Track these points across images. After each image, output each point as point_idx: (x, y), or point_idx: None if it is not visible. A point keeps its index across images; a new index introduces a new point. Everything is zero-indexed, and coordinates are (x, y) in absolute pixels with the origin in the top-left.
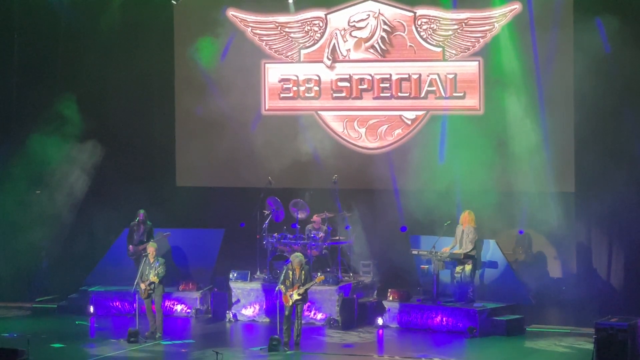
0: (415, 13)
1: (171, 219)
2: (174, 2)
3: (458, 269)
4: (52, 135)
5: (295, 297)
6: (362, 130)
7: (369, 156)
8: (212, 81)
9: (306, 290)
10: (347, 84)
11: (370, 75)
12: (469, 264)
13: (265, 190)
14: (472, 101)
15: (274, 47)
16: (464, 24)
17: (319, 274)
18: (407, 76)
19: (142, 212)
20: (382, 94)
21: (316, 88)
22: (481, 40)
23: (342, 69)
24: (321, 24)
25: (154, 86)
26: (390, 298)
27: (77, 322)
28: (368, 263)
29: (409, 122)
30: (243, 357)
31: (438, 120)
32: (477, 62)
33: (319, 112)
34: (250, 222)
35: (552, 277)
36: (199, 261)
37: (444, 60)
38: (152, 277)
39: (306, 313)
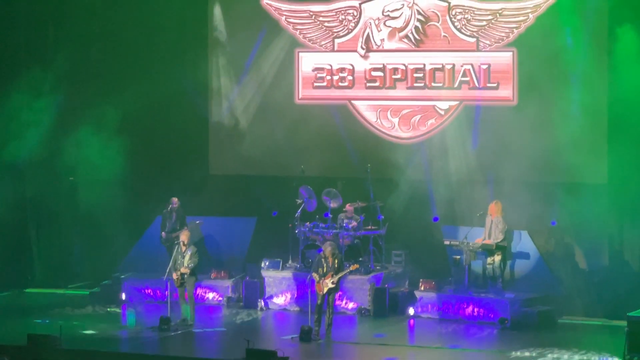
0: (449, 3)
1: (204, 207)
2: None
3: (489, 260)
4: (87, 124)
5: (329, 285)
6: (395, 120)
7: (402, 146)
8: (245, 70)
9: (339, 278)
10: (381, 74)
11: (404, 65)
12: (498, 255)
13: (297, 179)
14: (506, 92)
15: (308, 36)
16: (498, 15)
17: (351, 262)
18: (440, 66)
19: (174, 199)
20: (415, 84)
21: (350, 77)
22: (515, 31)
23: (376, 59)
24: (355, 13)
25: (187, 74)
26: (422, 288)
27: (109, 309)
28: (400, 253)
29: (442, 113)
30: (274, 346)
31: (471, 110)
32: (511, 53)
33: (353, 101)
34: (282, 210)
35: (584, 269)
36: (231, 249)
37: (478, 50)
38: (183, 269)
39: (337, 302)
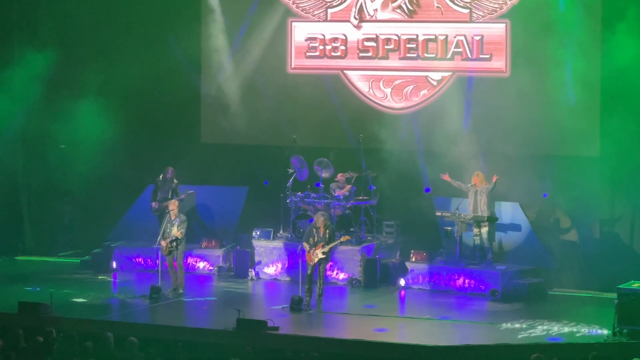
0: None
1: (195, 176)
2: None
3: (476, 231)
4: (79, 93)
5: (320, 255)
6: (388, 91)
7: (394, 116)
8: (238, 39)
9: (330, 249)
10: (374, 44)
11: (397, 35)
12: (485, 226)
13: (289, 148)
14: (499, 63)
15: (301, 5)
16: None
17: (343, 232)
18: (433, 37)
19: (170, 168)
20: (408, 55)
21: (342, 47)
22: (509, 2)
23: (369, 29)
24: None
25: (180, 43)
26: (413, 259)
27: (99, 278)
28: (391, 224)
29: (435, 83)
30: (264, 316)
31: (464, 81)
32: (504, 25)
33: (345, 71)
34: (274, 180)
35: (575, 242)
36: (222, 219)
37: (471, 21)
38: (176, 233)
39: (328, 273)
